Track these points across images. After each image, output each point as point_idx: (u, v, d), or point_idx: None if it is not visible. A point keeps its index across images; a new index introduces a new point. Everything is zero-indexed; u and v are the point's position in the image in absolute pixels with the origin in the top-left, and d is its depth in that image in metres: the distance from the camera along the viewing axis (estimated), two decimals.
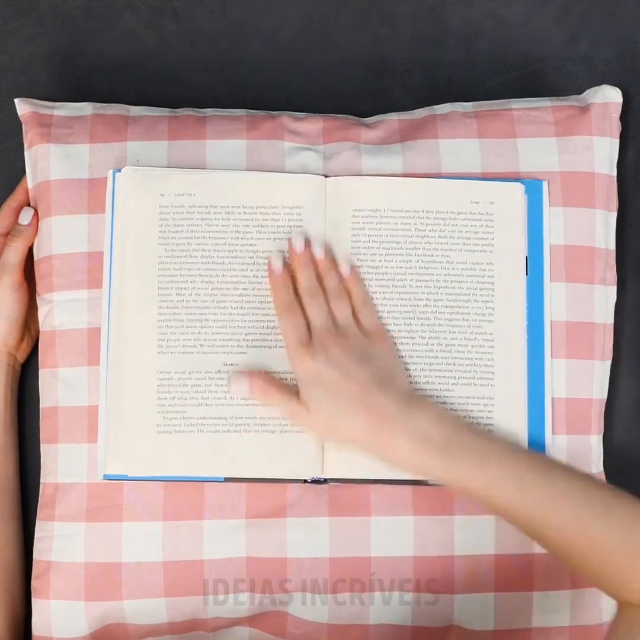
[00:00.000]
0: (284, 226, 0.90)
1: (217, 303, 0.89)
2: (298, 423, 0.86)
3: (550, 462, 0.82)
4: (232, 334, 0.89)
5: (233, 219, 0.90)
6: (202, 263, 0.89)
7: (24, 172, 0.95)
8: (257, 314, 0.89)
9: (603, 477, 0.93)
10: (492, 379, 0.89)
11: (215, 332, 0.89)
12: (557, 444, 0.90)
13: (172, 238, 0.90)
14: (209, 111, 0.96)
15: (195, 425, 0.87)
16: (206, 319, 0.89)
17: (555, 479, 0.79)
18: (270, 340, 0.89)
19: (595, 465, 0.92)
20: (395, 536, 0.89)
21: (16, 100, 0.95)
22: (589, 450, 0.91)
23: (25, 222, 0.93)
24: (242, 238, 0.90)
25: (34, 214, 0.93)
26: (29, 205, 0.95)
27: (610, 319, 0.93)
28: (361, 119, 0.97)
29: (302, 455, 0.88)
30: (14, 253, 0.93)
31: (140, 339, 0.88)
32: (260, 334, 0.89)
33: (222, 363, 0.88)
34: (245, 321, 0.89)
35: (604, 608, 0.90)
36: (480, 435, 0.82)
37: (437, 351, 0.89)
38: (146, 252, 0.89)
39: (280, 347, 0.88)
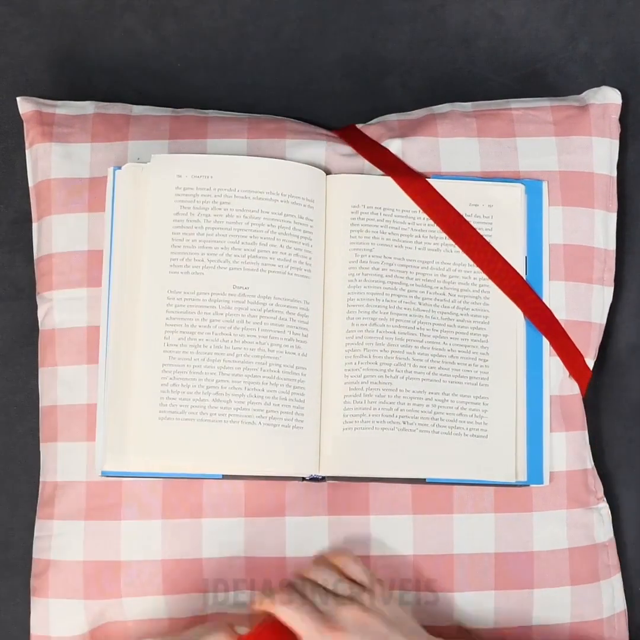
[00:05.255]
0: (294, 216, 0.90)
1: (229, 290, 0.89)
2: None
3: None
4: (241, 327, 0.89)
5: (244, 204, 0.90)
6: (217, 247, 0.89)
7: (24, 172, 0.95)
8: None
9: (596, 474, 0.93)
10: (487, 379, 0.89)
11: (223, 326, 0.89)
12: (555, 441, 0.90)
13: (187, 219, 0.90)
14: (211, 113, 0.96)
15: (195, 414, 0.87)
16: (217, 312, 0.89)
17: None
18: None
19: (590, 461, 0.93)
20: (394, 535, 0.89)
21: (18, 99, 0.95)
22: (585, 448, 0.92)
23: None
24: (253, 224, 0.90)
25: None
26: None
27: (604, 320, 0.94)
28: (363, 125, 0.96)
29: (300, 451, 0.88)
30: None
31: (147, 326, 0.88)
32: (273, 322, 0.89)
33: (226, 354, 0.88)
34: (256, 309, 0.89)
35: (604, 604, 0.90)
36: None
37: (432, 349, 0.89)
38: (160, 233, 0.89)
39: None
